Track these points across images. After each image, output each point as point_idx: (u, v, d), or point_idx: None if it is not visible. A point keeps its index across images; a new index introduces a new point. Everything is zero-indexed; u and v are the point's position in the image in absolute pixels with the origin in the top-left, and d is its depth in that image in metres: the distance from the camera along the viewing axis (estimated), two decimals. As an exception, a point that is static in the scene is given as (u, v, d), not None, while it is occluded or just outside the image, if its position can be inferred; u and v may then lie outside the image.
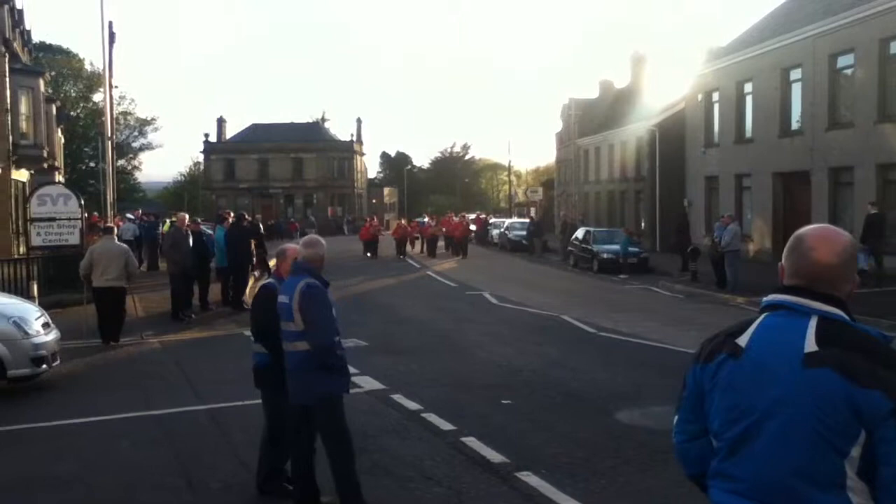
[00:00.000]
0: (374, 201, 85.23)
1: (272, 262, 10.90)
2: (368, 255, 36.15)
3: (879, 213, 19.59)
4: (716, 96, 31.94)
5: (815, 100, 24.96)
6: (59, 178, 32.62)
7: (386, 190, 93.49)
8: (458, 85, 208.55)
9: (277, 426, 6.01)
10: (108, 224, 16.55)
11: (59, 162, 37.39)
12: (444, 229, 39.66)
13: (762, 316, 2.31)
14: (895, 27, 21.37)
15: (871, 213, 19.45)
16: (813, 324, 2.18)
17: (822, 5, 25.97)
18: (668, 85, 40.15)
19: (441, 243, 39.49)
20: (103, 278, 12.99)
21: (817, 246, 2.25)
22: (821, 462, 2.09)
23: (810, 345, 2.15)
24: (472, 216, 50.63)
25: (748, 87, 29.34)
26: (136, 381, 10.34)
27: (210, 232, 18.85)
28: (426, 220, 48.03)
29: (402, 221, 43.21)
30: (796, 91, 26.43)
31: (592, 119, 50.62)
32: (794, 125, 26.67)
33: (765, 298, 2.36)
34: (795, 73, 26.33)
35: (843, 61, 24.15)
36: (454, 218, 41.81)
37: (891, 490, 2.04)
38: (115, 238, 14.62)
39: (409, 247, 38.24)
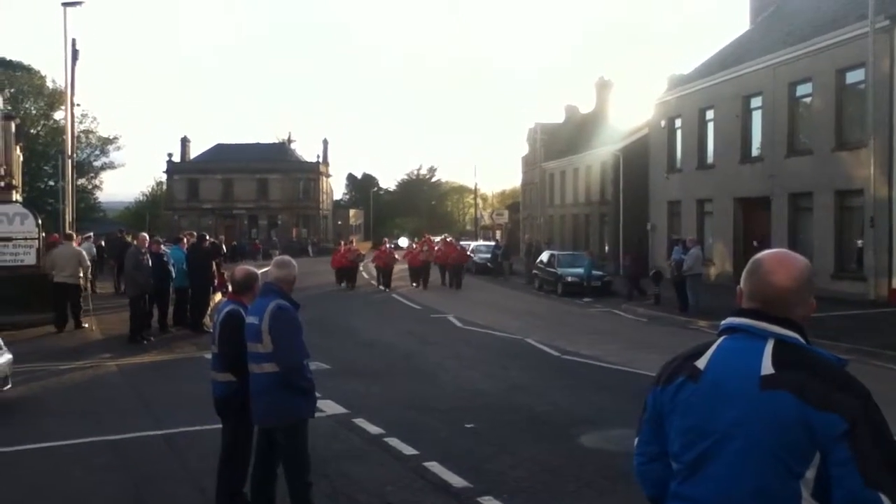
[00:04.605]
0: (339, 223, 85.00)
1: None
2: (343, 284, 30.53)
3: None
4: (678, 122, 32.45)
5: (775, 127, 25.49)
6: (16, 196, 31.98)
7: (351, 211, 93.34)
8: (426, 107, 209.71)
9: (238, 451, 5.89)
10: (69, 232, 19.79)
11: (17, 180, 36.69)
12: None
13: (720, 339, 2.33)
14: (851, 57, 21.93)
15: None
16: (769, 347, 2.20)
17: (781, 35, 26.61)
18: (632, 110, 40.81)
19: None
20: (60, 275, 16.25)
21: (775, 270, 2.28)
22: (778, 484, 2.09)
23: (767, 368, 2.16)
24: (438, 238, 45.54)
25: (710, 114, 29.86)
26: (91, 406, 10.08)
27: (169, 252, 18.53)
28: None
29: (387, 244, 33.08)
30: (756, 118, 26.97)
31: (558, 143, 51.13)
32: (755, 152, 27.17)
33: (723, 322, 2.38)
34: (756, 101, 26.88)
35: (801, 90, 24.72)
36: (440, 241, 35.43)
37: None
38: (73, 244, 17.62)
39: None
